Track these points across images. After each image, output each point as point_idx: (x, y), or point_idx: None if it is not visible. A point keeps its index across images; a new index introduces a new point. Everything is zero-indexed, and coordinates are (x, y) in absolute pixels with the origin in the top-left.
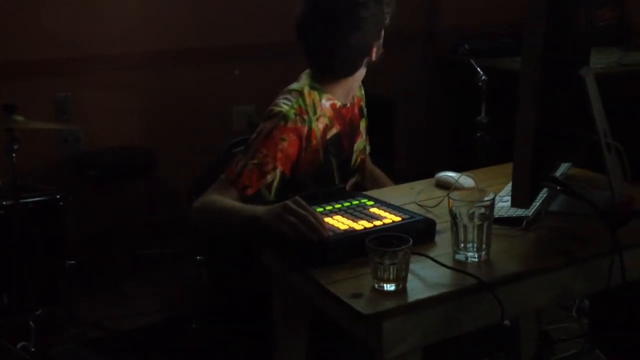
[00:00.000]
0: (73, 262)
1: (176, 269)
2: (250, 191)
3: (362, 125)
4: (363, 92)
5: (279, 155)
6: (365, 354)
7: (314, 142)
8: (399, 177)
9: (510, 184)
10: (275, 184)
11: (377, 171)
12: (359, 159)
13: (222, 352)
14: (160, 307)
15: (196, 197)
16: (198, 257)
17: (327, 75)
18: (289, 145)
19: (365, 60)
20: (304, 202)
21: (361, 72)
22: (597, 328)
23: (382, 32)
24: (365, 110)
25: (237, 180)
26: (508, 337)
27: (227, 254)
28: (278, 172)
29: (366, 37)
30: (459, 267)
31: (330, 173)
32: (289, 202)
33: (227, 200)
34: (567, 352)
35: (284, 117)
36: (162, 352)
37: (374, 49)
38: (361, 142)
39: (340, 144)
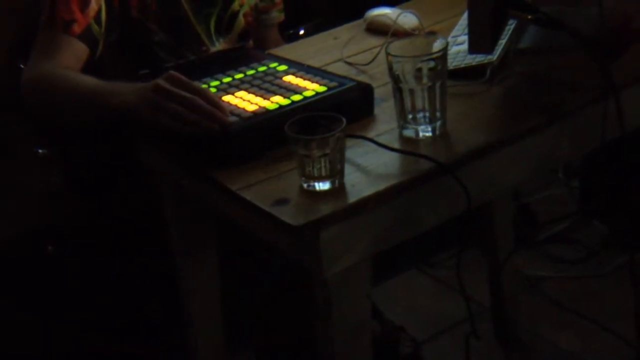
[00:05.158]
0: None
1: (10, 166)
2: (77, 28)
3: None
4: None
5: None
6: (299, 272)
7: None
8: (316, 28)
9: (465, 17)
10: (103, 17)
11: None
12: (239, 18)
13: (94, 283)
14: None
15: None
16: (40, 150)
17: None
18: None
19: None
20: (183, 77)
21: None
22: (592, 192)
23: None
24: None
25: (54, 18)
26: (477, 221)
27: (85, 144)
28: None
29: None
30: (409, 148)
31: (181, 19)
32: (161, 81)
33: (76, 76)
34: (555, 227)
35: None
36: (5, 286)
37: None
38: None
39: None
